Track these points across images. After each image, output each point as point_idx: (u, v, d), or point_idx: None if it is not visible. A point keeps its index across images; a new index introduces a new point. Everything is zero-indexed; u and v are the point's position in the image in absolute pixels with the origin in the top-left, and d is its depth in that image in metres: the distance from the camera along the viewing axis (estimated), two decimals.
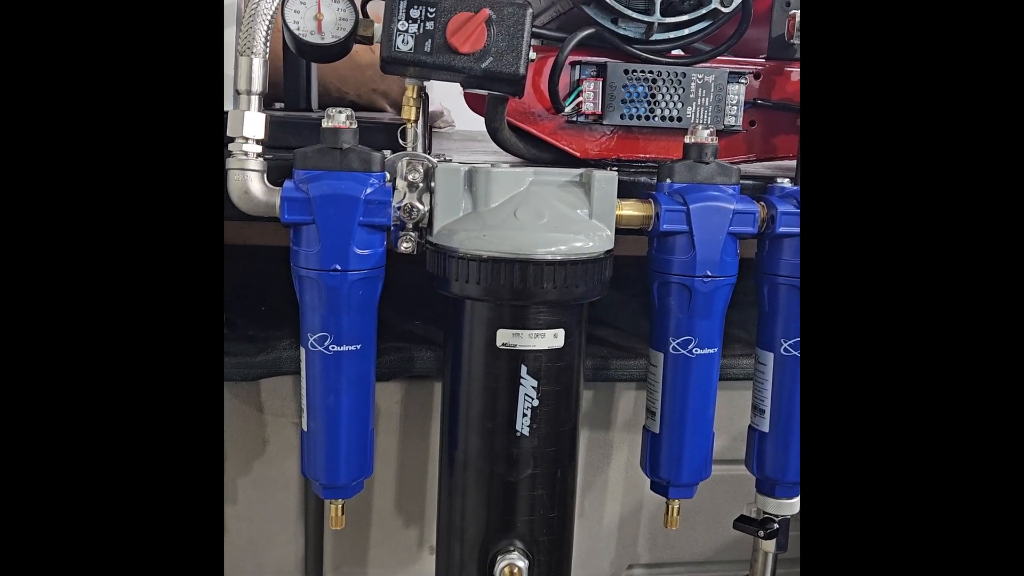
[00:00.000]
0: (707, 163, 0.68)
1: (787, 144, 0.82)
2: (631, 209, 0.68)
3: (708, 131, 0.68)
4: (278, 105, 1.26)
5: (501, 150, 0.78)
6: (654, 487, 0.74)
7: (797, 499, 0.75)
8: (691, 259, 0.67)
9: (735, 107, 0.77)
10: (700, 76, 0.76)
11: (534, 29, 0.73)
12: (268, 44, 0.65)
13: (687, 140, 0.68)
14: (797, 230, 0.68)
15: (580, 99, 0.75)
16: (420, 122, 0.73)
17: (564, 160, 0.79)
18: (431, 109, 1.52)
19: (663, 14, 0.72)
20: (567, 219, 0.64)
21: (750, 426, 0.75)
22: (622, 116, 0.76)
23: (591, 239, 0.64)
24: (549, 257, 0.61)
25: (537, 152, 0.80)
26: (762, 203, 0.69)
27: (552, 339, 0.64)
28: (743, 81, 0.78)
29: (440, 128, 1.58)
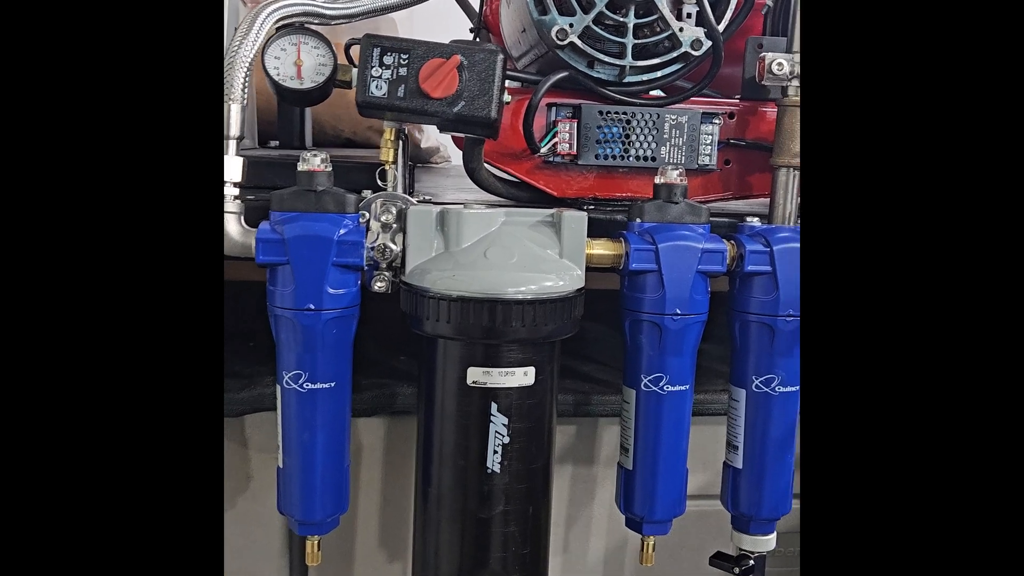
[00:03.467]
0: (676, 203, 0.69)
1: (762, 182, 0.83)
2: (602, 248, 0.69)
3: (677, 172, 0.69)
4: (272, 143, 1.29)
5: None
6: (629, 523, 0.74)
7: (773, 536, 0.75)
8: (661, 297, 0.68)
9: (709, 147, 0.79)
10: (674, 117, 0.77)
11: (510, 72, 0.75)
12: (246, 90, 0.67)
13: (657, 180, 0.70)
14: (766, 268, 0.69)
15: (556, 140, 0.77)
16: (400, 163, 0.75)
17: (542, 199, 0.81)
18: (427, 145, 1.55)
19: (635, 58, 0.74)
20: (537, 259, 0.65)
21: (724, 462, 0.75)
22: (597, 156, 0.77)
23: (561, 278, 0.66)
24: (519, 296, 0.63)
25: (515, 191, 0.81)
26: (732, 242, 0.70)
27: (523, 377, 0.65)
28: (716, 121, 0.79)
29: (436, 164, 1.61)
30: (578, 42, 0.73)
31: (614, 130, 0.77)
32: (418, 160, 1.52)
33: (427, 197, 0.81)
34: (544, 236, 0.67)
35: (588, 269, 0.69)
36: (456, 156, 1.64)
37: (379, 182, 0.74)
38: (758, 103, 0.81)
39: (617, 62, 0.74)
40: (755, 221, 0.71)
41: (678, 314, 0.68)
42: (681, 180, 0.69)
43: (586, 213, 0.67)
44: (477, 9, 1.05)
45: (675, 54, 0.74)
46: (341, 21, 0.81)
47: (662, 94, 0.82)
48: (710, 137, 0.79)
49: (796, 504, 0.98)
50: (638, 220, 0.69)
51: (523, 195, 0.81)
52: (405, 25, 1.46)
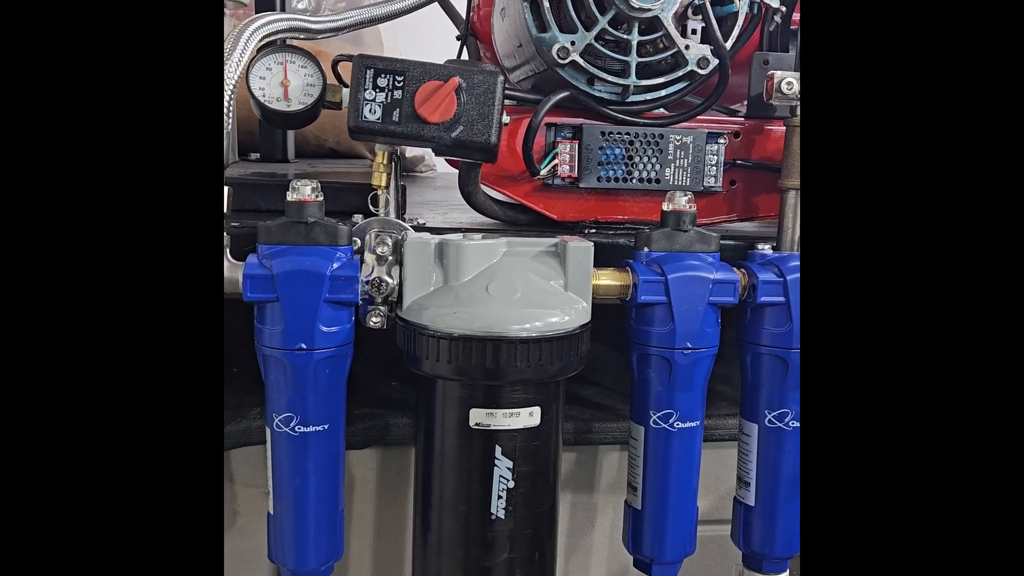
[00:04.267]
0: (685, 231, 0.66)
1: (769, 203, 0.80)
2: (608, 279, 0.66)
3: (686, 198, 0.66)
4: (253, 156, 1.25)
5: None
6: (637, 564, 0.71)
7: (785, 574, 0.72)
8: (671, 331, 0.65)
9: (714, 167, 0.76)
10: (678, 137, 0.74)
11: (508, 92, 0.72)
12: (231, 114, 0.63)
13: (665, 207, 0.66)
14: (780, 299, 0.66)
15: (556, 162, 0.73)
16: (393, 186, 0.71)
17: (541, 222, 0.78)
18: (412, 154, 1.51)
19: (639, 76, 0.71)
20: (541, 292, 0.62)
21: (735, 498, 0.72)
22: (599, 179, 0.74)
23: (567, 313, 0.62)
24: (523, 335, 0.59)
25: (513, 215, 0.78)
26: (743, 271, 0.67)
27: (528, 418, 0.61)
28: (722, 141, 0.76)
29: (421, 172, 1.57)
30: (580, 60, 0.69)
31: (616, 151, 0.74)
32: (403, 170, 1.48)
33: (422, 222, 0.77)
34: (548, 267, 0.64)
35: (594, 299, 0.66)
36: (442, 164, 1.61)
37: (371, 207, 0.70)
38: (764, 121, 0.79)
39: (620, 81, 0.71)
40: (766, 248, 0.68)
41: (688, 348, 0.65)
42: (690, 207, 0.66)
43: (592, 243, 0.64)
44: (464, 16, 1.01)
45: (680, 72, 0.71)
46: (327, 35, 0.77)
47: (666, 112, 0.79)
48: (715, 157, 0.76)
49: None
50: (645, 249, 0.66)
51: (522, 218, 0.78)
52: (388, 34, 1.42)
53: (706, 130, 0.75)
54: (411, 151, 1.49)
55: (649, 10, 0.68)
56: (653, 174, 0.75)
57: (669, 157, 0.74)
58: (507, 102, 0.76)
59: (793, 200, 0.73)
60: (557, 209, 0.76)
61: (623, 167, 0.74)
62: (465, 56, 1.04)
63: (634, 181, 0.74)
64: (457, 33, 1.07)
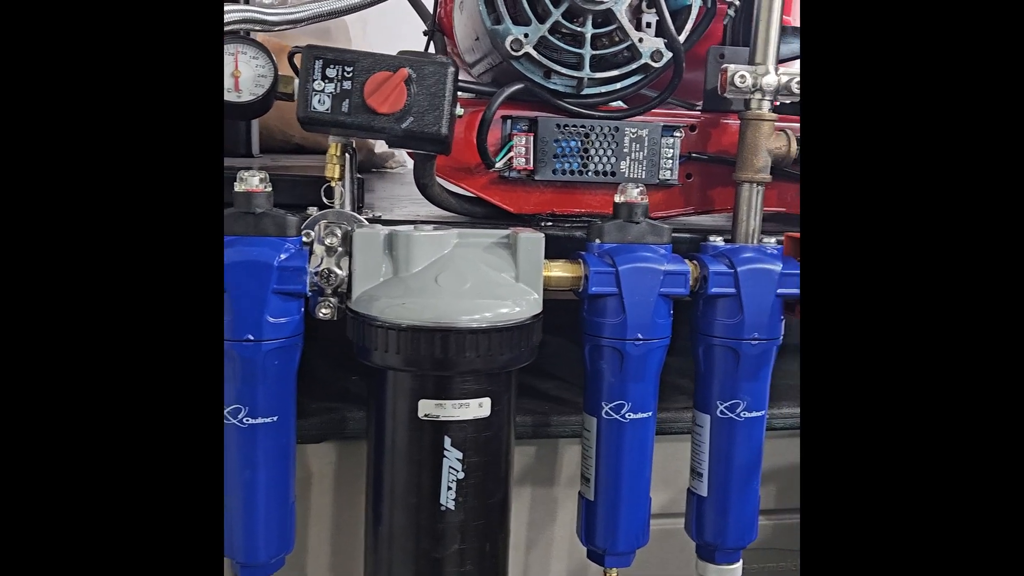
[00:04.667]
0: (637, 223, 0.66)
1: (726, 196, 0.80)
2: (560, 271, 0.66)
3: (638, 190, 0.66)
4: None
5: None
6: (590, 555, 0.71)
7: (738, 565, 0.73)
8: (622, 322, 0.65)
9: (670, 160, 0.76)
10: (633, 130, 0.74)
11: (463, 84, 0.72)
12: None
13: (617, 199, 0.67)
14: (730, 290, 0.66)
15: (511, 154, 0.73)
16: (347, 179, 0.71)
17: (498, 214, 0.78)
18: (381, 150, 1.50)
19: (593, 69, 0.71)
20: (492, 283, 0.62)
21: (689, 489, 0.73)
22: (555, 171, 0.74)
23: (517, 304, 0.62)
24: (473, 325, 0.59)
25: (470, 207, 0.78)
26: (695, 262, 0.67)
27: (477, 409, 0.61)
28: (678, 134, 0.76)
29: (391, 168, 1.57)
30: (533, 52, 0.69)
31: (572, 144, 0.74)
32: (372, 166, 1.48)
33: (377, 214, 0.77)
34: (499, 259, 0.64)
35: (547, 291, 0.66)
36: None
37: (324, 199, 0.69)
38: (720, 115, 0.79)
39: (574, 73, 0.71)
40: (718, 240, 0.69)
41: (640, 339, 0.65)
42: (642, 199, 0.66)
43: (543, 234, 0.64)
44: (432, 11, 1.01)
45: (634, 65, 0.71)
46: (285, 28, 0.77)
47: (624, 105, 0.79)
48: (671, 151, 0.76)
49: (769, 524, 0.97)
50: (597, 241, 0.66)
51: (479, 210, 0.78)
52: (356, 28, 1.41)
53: (662, 123, 0.75)
54: (381, 147, 1.49)
55: (602, 3, 0.68)
56: (609, 167, 0.75)
57: (625, 150, 0.75)
58: (465, 95, 0.76)
59: (747, 193, 0.74)
60: (513, 202, 0.76)
61: (579, 160, 0.74)
62: (432, 51, 1.04)
63: (590, 174, 0.75)
64: (424, 29, 1.07)
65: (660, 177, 0.76)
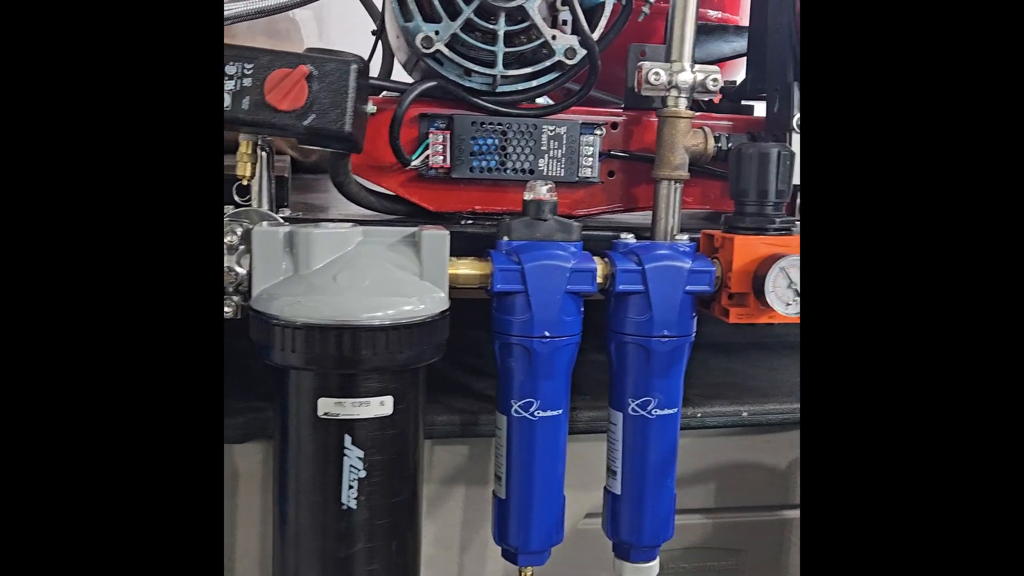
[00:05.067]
0: (545, 220, 0.66)
1: (648, 194, 0.80)
2: (468, 268, 0.65)
3: (547, 187, 0.66)
4: None
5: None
6: (504, 554, 0.71)
7: (655, 563, 0.73)
8: (529, 320, 0.65)
9: (590, 158, 0.76)
10: (551, 128, 0.74)
11: (377, 81, 0.71)
12: None
13: (526, 196, 0.66)
14: (639, 287, 0.66)
15: (428, 152, 0.73)
16: (264, 176, 0.71)
17: (420, 213, 0.77)
18: None
19: (507, 67, 0.71)
20: (394, 281, 0.62)
21: (605, 488, 0.73)
22: (472, 169, 0.74)
23: (423, 301, 0.62)
24: (373, 323, 0.59)
25: (392, 205, 0.78)
26: (605, 260, 0.67)
27: (379, 407, 0.61)
28: (598, 132, 0.76)
29: None
30: (445, 50, 0.69)
31: (489, 142, 0.74)
32: (318, 170, 1.47)
33: (297, 214, 0.77)
34: (404, 257, 0.63)
35: (458, 289, 0.66)
36: None
37: (236, 198, 0.69)
38: (642, 113, 0.79)
39: (488, 71, 0.71)
40: (629, 237, 0.69)
41: (547, 336, 0.65)
42: (551, 196, 0.66)
43: (447, 231, 0.64)
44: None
45: (548, 63, 0.71)
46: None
47: (550, 102, 0.79)
48: (591, 148, 0.76)
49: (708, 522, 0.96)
50: (505, 238, 0.66)
51: (401, 209, 0.78)
52: (309, 28, 1.40)
53: (580, 121, 0.75)
54: None
55: (511, 0, 0.67)
56: (527, 164, 0.75)
57: (543, 148, 0.74)
58: (385, 94, 0.76)
59: (666, 190, 0.73)
60: (433, 200, 0.76)
61: (497, 157, 0.74)
62: (379, 53, 1.03)
63: (508, 172, 0.74)
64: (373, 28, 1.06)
65: (580, 175, 0.76)
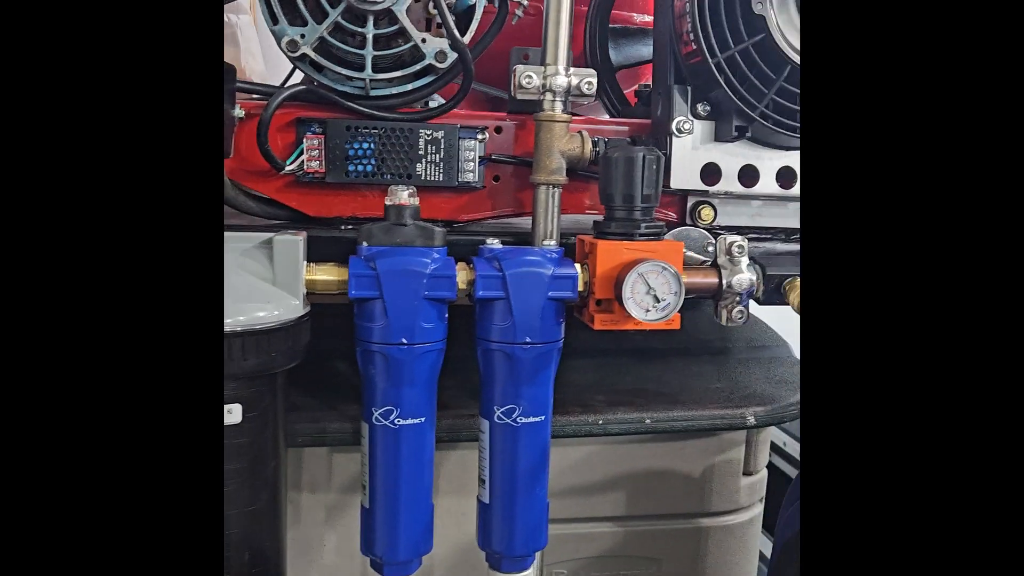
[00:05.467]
0: (405, 225, 0.65)
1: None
2: (325, 274, 0.65)
3: (407, 192, 0.65)
4: None
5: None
6: (372, 565, 0.70)
7: (529, 572, 0.72)
8: (386, 326, 0.64)
9: (472, 163, 0.75)
10: (428, 132, 0.74)
11: (244, 83, 0.71)
12: None
13: (387, 201, 0.66)
14: (499, 294, 0.65)
15: (303, 157, 0.73)
16: None
17: (301, 217, 0.77)
18: None
19: (376, 70, 0.70)
20: (243, 287, 0.61)
21: (477, 498, 0.72)
22: (348, 174, 0.73)
23: (277, 307, 0.62)
24: None
25: (273, 210, 0.77)
26: (470, 266, 0.66)
27: (226, 415, 0.60)
28: (480, 137, 0.75)
29: None
30: (311, 54, 0.69)
31: (365, 146, 0.73)
32: None
33: None
34: (257, 263, 0.63)
35: (322, 295, 0.66)
36: None
37: None
38: (526, 117, 0.78)
39: (356, 75, 0.70)
40: (495, 243, 0.68)
41: (404, 343, 0.64)
42: (412, 200, 0.65)
43: (301, 237, 0.63)
44: None
45: (419, 66, 0.70)
46: None
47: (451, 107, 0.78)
48: (472, 153, 0.75)
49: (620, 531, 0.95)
50: (364, 244, 0.65)
51: (282, 213, 0.77)
52: (249, 32, 1.40)
53: (458, 125, 0.74)
54: None
55: (379, 3, 0.67)
56: (404, 170, 0.74)
57: (420, 152, 0.74)
58: (255, 97, 0.75)
59: (544, 195, 0.73)
60: (311, 205, 0.75)
61: (373, 162, 0.73)
62: None
63: (386, 176, 0.74)
64: None
65: (461, 179, 0.75)
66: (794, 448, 1.92)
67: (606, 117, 0.99)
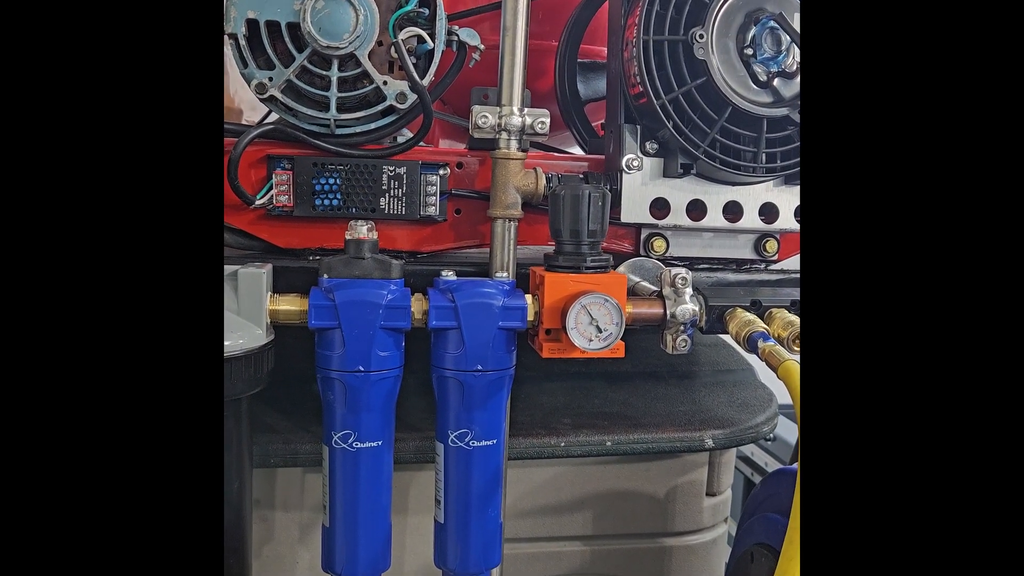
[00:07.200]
0: (364, 258, 0.69)
1: None
2: (287, 304, 0.68)
3: (367, 226, 0.69)
4: None
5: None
6: None
7: None
8: (343, 355, 0.67)
9: (433, 197, 0.79)
10: (392, 168, 0.77)
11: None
12: None
13: (347, 235, 0.69)
14: (452, 324, 0.69)
15: (273, 191, 0.76)
16: None
17: (272, 249, 0.81)
18: None
19: (341, 111, 0.74)
20: None
21: (434, 518, 0.75)
22: (315, 207, 0.77)
23: (242, 336, 0.65)
24: None
25: (248, 241, 0.81)
26: (424, 297, 0.70)
27: None
28: (442, 172, 0.79)
29: None
30: (279, 95, 0.73)
31: (331, 181, 0.77)
32: None
33: None
34: (223, 295, 0.66)
35: (279, 324, 0.69)
36: None
37: None
38: (487, 152, 0.82)
39: (322, 115, 0.74)
40: (449, 274, 0.71)
41: (360, 371, 0.67)
42: (370, 235, 0.69)
43: (265, 269, 0.67)
44: None
45: (381, 107, 0.74)
46: None
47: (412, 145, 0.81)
48: (434, 187, 0.79)
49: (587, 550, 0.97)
50: (325, 276, 0.69)
51: (256, 244, 0.81)
52: None
53: (420, 161, 0.78)
54: None
55: (339, 48, 0.71)
56: (368, 204, 0.78)
57: (383, 187, 0.78)
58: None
59: (500, 228, 0.76)
60: (282, 237, 0.79)
61: (339, 196, 0.77)
62: None
63: (351, 210, 0.77)
64: None
65: (423, 213, 0.79)
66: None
67: (576, 149, 1.03)
